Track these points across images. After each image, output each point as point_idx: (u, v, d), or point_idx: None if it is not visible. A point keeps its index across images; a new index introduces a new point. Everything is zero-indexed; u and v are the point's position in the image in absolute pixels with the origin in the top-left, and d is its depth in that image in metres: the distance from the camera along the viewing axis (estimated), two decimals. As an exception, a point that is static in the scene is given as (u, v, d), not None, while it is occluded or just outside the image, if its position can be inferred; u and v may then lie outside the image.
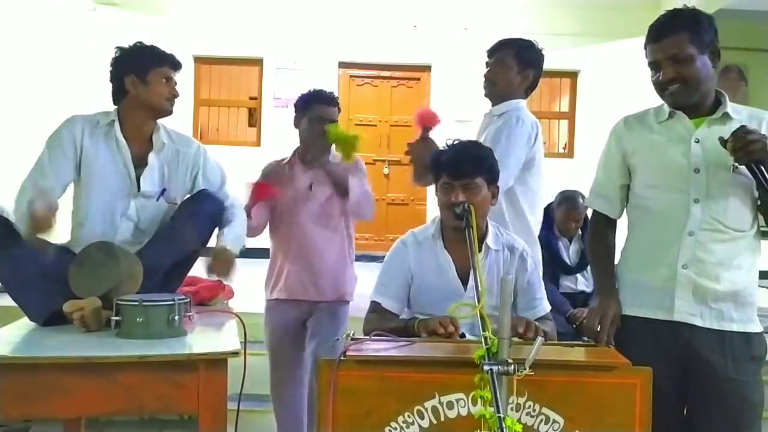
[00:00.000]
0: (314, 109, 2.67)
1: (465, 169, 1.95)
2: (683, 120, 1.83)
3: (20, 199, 2.00)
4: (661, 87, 1.80)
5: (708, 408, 1.77)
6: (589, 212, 2.09)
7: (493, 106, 2.56)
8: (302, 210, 2.66)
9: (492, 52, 2.53)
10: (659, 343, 1.80)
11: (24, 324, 1.92)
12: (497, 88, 2.51)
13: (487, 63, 2.55)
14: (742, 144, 1.65)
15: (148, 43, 2.20)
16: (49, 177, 2.06)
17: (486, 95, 2.57)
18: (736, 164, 1.69)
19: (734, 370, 1.75)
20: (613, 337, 1.90)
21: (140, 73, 2.12)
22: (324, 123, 2.64)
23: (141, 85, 2.12)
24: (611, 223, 2.01)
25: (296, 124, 2.75)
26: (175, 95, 2.19)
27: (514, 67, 2.48)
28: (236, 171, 3.05)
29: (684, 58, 1.73)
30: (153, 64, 2.13)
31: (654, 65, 1.80)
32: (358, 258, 2.93)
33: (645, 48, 1.83)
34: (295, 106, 2.76)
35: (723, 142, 1.69)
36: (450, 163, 1.98)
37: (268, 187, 2.64)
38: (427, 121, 2.37)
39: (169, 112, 2.19)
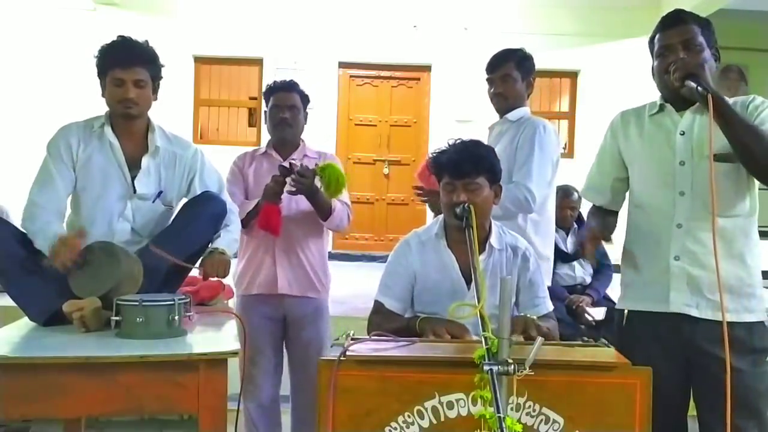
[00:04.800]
0: (272, 98, 2.73)
1: (466, 169, 1.96)
2: (671, 114, 1.88)
3: (31, 210, 2.01)
4: (665, 72, 1.83)
5: (713, 399, 1.77)
6: (584, 209, 2.14)
7: (501, 116, 2.67)
8: (286, 205, 2.63)
9: (493, 68, 2.63)
10: (661, 341, 1.82)
11: (24, 324, 1.92)
12: (509, 102, 2.62)
13: (490, 79, 2.65)
14: (678, 65, 1.74)
15: (117, 38, 2.12)
16: (59, 186, 2.07)
17: (497, 110, 2.68)
18: (684, 84, 1.72)
19: (737, 360, 1.74)
20: (618, 337, 1.94)
21: (102, 76, 2.11)
22: (281, 109, 2.69)
23: (104, 89, 2.12)
24: (609, 212, 2.07)
25: (265, 119, 2.81)
26: (126, 98, 2.06)
27: (519, 78, 2.61)
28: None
29: (695, 45, 1.83)
30: (107, 67, 2.09)
31: (665, 49, 1.85)
32: (358, 258, 2.93)
33: (654, 38, 1.90)
34: (265, 104, 2.81)
35: (667, 78, 1.80)
36: (451, 162, 1.98)
37: (276, 219, 2.55)
38: (430, 183, 2.46)
39: (127, 116, 2.10)
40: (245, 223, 2.58)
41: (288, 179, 2.52)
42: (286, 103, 2.71)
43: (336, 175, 2.54)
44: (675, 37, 1.84)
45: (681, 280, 1.80)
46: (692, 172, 1.81)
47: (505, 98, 2.62)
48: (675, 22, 1.86)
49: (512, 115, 2.62)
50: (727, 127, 1.68)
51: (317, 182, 2.53)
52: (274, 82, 2.78)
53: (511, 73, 2.59)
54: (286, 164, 2.57)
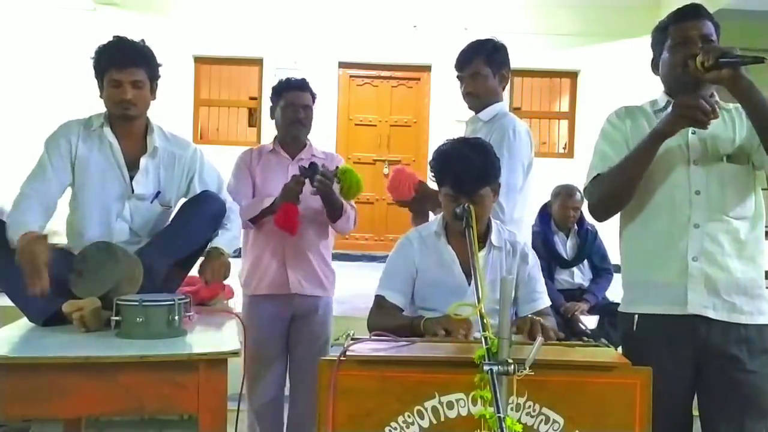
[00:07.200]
0: (285, 96, 2.70)
1: (470, 187, 1.94)
2: None
3: (17, 200, 1.99)
4: (684, 60, 1.76)
5: (722, 399, 1.78)
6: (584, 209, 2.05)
7: (476, 113, 2.56)
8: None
9: (462, 65, 2.50)
10: (673, 345, 1.80)
11: (24, 324, 1.92)
12: (482, 100, 2.50)
13: (460, 77, 2.52)
14: (708, 48, 1.67)
15: (113, 39, 2.11)
16: (52, 180, 2.06)
17: (470, 108, 2.57)
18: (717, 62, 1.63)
19: (751, 363, 1.76)
20: (625, 342, 1.93)
21: (99, 77, 2.11)
22: (296, 108, 2.68)
23: (102, 90, 2.11)
24: None
25: (272, 116, 2.78)
26: (124, 99, 2.05)
27: (490, 73, 2.48)
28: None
29: (712, 42, 1.79)
30: (104, 69, 2.08)
31: (684, 40, 1.80)
32: (358, 258, 2.93)
33: (666, 28, 1.85)
34: (271, 98, 2.79)
35: (692, 64, 1.70)
36: (455, 177, 1.95)
37: (294, 218, 2.53)
38: (400, 195, 2.51)
39: (125, 117, 2.10)
40: (257, 220, 2.58)
41: (309, 179, 2.51)
42: (301, 103, 2.70)
43: (356, 180, 2.59)
44: (694, 30, 1.80)
45: (699, 281, 1.77)
46: (707, 172, 1.79)
47: (477, 97, 2.49)
48: (695, 15, 1.82)
49: (484, 114, 2.50)
50: (757, 109, 1.65)
51: (334, 185, 2.55)
52: (288, 79, 2.75)
53: (480, 71, 2.46)
54: (305, 164, 2.56)
